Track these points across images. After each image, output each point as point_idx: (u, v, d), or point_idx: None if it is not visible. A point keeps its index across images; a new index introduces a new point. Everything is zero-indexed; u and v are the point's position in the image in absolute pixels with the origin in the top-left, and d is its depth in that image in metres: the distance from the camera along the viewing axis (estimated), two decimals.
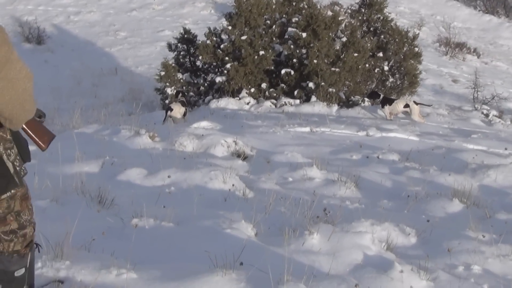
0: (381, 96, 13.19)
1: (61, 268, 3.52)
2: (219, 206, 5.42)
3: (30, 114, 2.67)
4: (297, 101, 14.15)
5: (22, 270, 2.89)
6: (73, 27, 26.15)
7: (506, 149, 9.62)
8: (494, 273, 4.37)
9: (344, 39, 14.67)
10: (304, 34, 14.21)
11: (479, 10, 40.95)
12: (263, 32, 14.88)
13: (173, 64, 15.16)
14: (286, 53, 14.68)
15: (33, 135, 2.84)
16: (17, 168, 2.70)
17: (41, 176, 5.59)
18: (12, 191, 2.71)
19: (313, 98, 14.08)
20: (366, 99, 14.20)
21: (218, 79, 14.53)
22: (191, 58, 15.44)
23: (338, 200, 6.01)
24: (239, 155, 7.87)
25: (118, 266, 3.52)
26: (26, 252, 2.90)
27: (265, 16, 15.10)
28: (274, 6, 15.36)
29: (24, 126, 2.78)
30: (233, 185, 5.93)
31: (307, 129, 10.62)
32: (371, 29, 16.46)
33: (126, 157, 7.11)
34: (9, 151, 2.66)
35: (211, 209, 5.29)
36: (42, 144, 2.87)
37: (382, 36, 16.18)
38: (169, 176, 6.02)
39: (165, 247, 4.22)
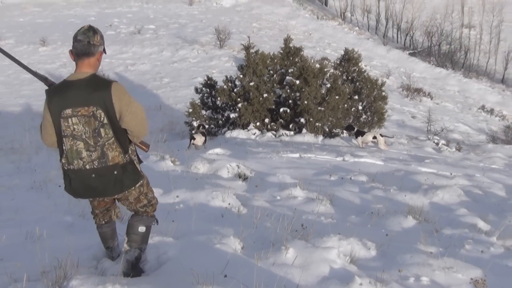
0: (355, 129, 12.76)
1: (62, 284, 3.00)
2: (216, 222, 4.88)
3: (146, 131, 3.20)
4: (292, 132, 13.72)
5: (144, 228, 3.41)
6: (130, 74, 26.00)
7: (451, 173, 9.00)
8: (440, 284, 3.85)
9: (329, 85, 14.22)
10: (297, 81, 13.81)
11: (432, 64, 41.55)
12: (267, 80, 14.46)
13: (198, 103, 14.73)
14: (284, 95, 14.24)
15: (139, 145, 3.44)
16: (139, 167, 3.23)
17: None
18: (141, 181, 3.26)
19: (304, 130, 13.66)
20: (344, 131, 13.74)
21: (232, 115, 14.13)
22: (212, 99, 14.99)
23: (315, 216, 5.45)
24: (240, 176, 7.33)
25: (113, 282, 3.00)
26: (152, 215, 3.48)
27: (268, 68, 14.69)
28: (275, 60, 14.99)
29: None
30: (229, 204, 5.39)
31: (297, 155, 10.05)
32: (349, 77, 16.10)
33: (149, 178, 6.59)
34: (135, 157, 3.20)
35: (209, 224, 4.76)
36: (145, 149, 3.52)
37: (358, 83, 15.86)
38: (177, 196, 5.50)
39: (163, 261, 3.68)
